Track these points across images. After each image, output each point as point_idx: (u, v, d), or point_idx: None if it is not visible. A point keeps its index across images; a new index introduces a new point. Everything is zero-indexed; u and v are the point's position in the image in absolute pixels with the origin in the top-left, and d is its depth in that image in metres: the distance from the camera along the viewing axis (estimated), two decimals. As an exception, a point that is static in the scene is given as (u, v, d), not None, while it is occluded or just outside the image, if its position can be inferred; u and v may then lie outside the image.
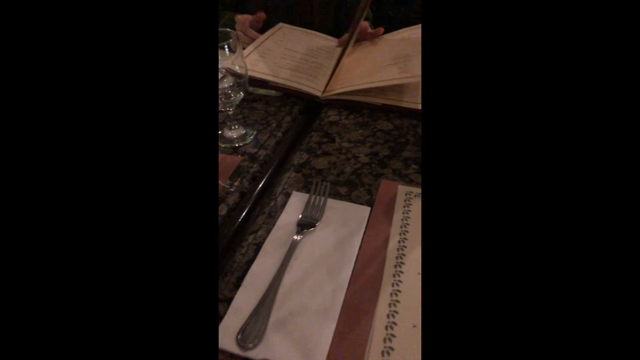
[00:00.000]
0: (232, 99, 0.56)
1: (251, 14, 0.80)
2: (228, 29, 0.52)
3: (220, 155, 0.56)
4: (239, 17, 0.79)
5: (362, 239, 0.42)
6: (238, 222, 0.48)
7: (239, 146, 0.58)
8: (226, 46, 0.51)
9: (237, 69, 0.54)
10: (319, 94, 0.67)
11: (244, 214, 0.49)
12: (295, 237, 0.42)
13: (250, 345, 0.32)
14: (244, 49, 0.73)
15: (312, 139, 0.60)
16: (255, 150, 0.58)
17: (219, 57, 0.52)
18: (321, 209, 0.46)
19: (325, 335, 0.33)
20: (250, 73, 0.64)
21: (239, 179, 0.52)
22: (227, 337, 0.33)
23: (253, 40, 0.77)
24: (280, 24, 0.84)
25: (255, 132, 0.61)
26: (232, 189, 0.50)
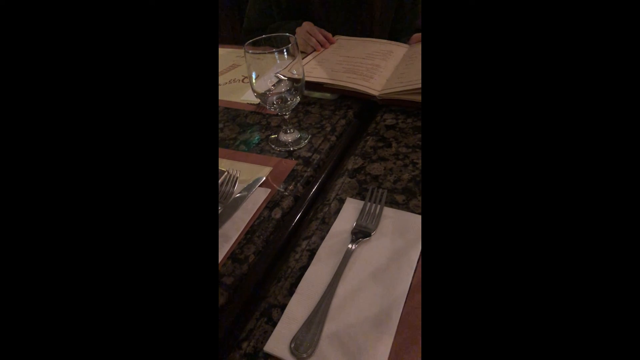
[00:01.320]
0: (288, 103, 0.56)
1: (314, 23, 0.83)
2: (287, 34, 0.52)
3: (275, 159, 0.57)
4: (308, 24, 0.82)
5: (421, 252, 0.40)
6: (292, 227, 0.48)
7: (294, 150, 0.58)
8: (285, 50, 0.51)
9: (294, 73, 0.54)
10: (375, 93, 0.66)
11: (297, 218, 0.49)
12: (349, 245, 0.41)
13: (304, 355, 0.32)
14: (303, 56, 0.75)
15: (367, 143, 0.59)
16: (309, 154, 0.57)
17: (278, 61, 0.52)
18: (377, 218, 0.44)
19: (381, 353, 0.32)
20: (306, 78, 0.64)
21: (293, 183, 0.52)
22: (280, 344, 0.33)
23: (315, 47, 0.79)
24: (337, 36, 0.85)
25: (309, 136, 0.61)
26: (286, 193, 0.51)
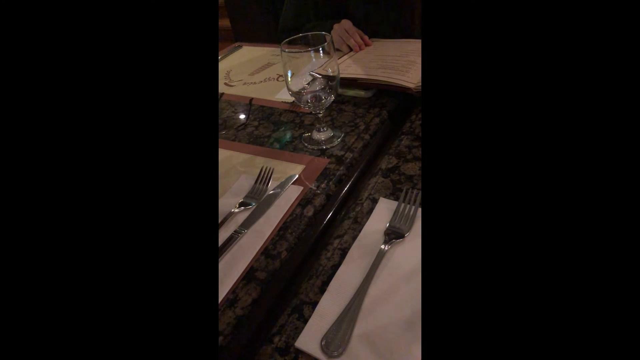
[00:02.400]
0: (322, 101, 0.56)
1: (353, 23, 0.82)
2: (323, 32, 0.52)
3: (308, 157, 0.57)
4: (347, 22, 0.82)
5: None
6: (323, 224, 0.48)
7: (326, 148, 0.58)
8: (321, 49, 0.51)
9: (329, 72, 0.54)
10: (411, 85, 0.64)
11: (329, 216, 0.49)
12: (382, 246, 0.41)
13: (335, 353, 0.32)
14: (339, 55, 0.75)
15: (402, 142, 0.58)
16: (342, 152, 0.57)
17: (313, 60, 0.53)
18: (411, 219, 0.43)
19: (413, 357, 0.31)
20: (341, 75, 0.64)
21: (326, 181, 0.52)
22: (311, 341, 0.33)
23: (352, 47, 0.79)
24: (373, 39, 0.84)
25: (342, 135, 0.60)
26: (318, 191, 0.51)
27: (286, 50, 0.51)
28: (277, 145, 0.61)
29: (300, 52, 0.51)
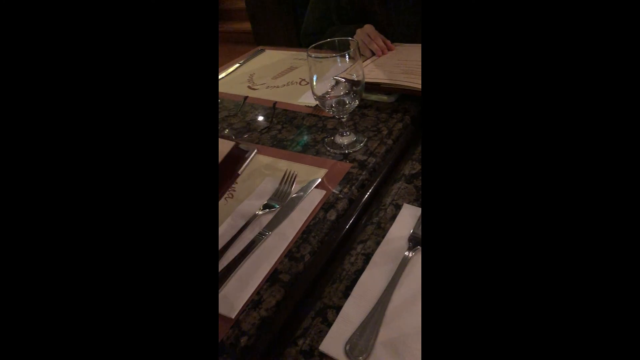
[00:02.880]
0: (346, 106, 0.57)
1: (375, 27, 0.83)
2: (350, 38, 0.53)
3: (331, 161, 0.58)
4: (369, 27, 0.82)
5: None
6: (346, 229, 0.48)
7: (349, 153, 0.59)
8: (347, 54, 0.52)
9: (354, 76, 0.55)
10: None
11: (351, 221, 0.49)
12: (406, 253, 0.41)
13: (360, 358, 0.32)
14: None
15: (425, 149, 0.57)
16: (364, 157, 0.57)
17: (339, 64, 0.53)
18: (435, 226, 0.43)
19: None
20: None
21: (348, 186, 0.53)
22: (335, 345, 0.34)
23: (374, 52, 0.80)
24: (395, 43, 0.84)
25: (365, 139, 0.61)
26: (341, 195, 0.51)
27: (312, 55, 0.52)
28: (300, 149, 0.62)
29: (327, 57, 0.52)
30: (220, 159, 0.33)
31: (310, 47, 0.53)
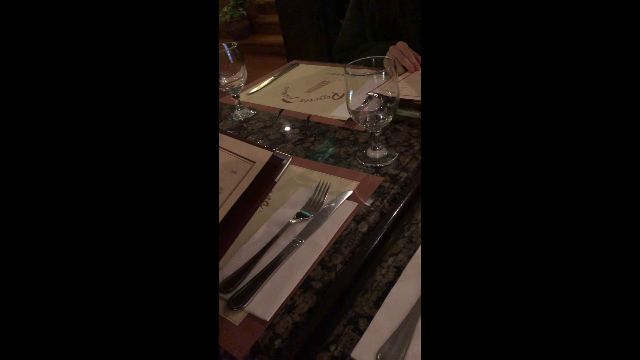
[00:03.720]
0: (380, 121, 0.58)
1: (408, 44, 0.85)
2: (387, 57, 0.55)
3: (362, 174, 0.59)
4: (402, 43, 0.84)
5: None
6: (377, 242, 0.49)
7: (381, 167, 0.60)
8: (383, 72, 0.54)
9: (389, 93, 0.56)
10: None
11: (382, 234, 0.50)
12: (438, 267, 0.41)
13: (390, 368, 0.33)
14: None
15: (457, 165, 0.58)
16: (396, 171, 0.59)
17: (375, 81, 0.55)
18: (467, 243, 0.43)
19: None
20: (397, 96, 0.66)
21: (380, 199, 0.54)
22: (367, 353, 0.35)
23: (407, 68, 0.81)
24: None
25: (397, 154, 0.62)
26: (372, 208, 0.52)
27: (350, 72, 0.54)
28: (324, 157, 0.64)
29: (364, 74, 0.54)
30: (259, 168, 0.35)
31: (348, 64, 0.56)
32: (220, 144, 0.41)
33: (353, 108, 0.58)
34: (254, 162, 0.35)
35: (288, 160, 0.35)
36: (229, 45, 0.78)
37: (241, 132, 0.79)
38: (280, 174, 0.35)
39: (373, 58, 0.56)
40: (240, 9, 3.61)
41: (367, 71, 0.55)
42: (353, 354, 0.35)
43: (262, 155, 0.35)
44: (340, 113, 0.77)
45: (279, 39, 2.72)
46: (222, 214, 0.34)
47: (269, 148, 0.36)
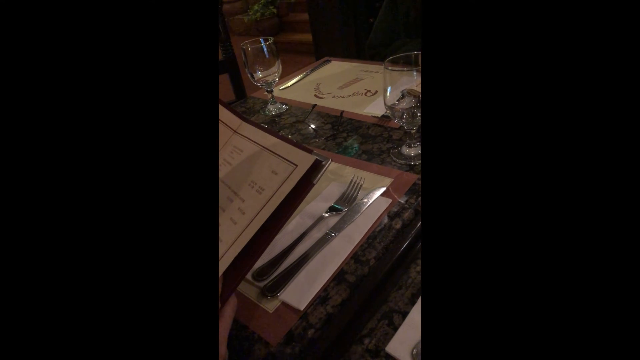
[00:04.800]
0: (417, 118, 0.58)
1: None
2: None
3: (396, 171, 0.59)
4: None
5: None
6: (411, 239, 0.49)
7: (415, 164, 0.59)
8: (414, 70, 0.53)
9: (427, 90, 0.56)
10: None
11: (416, 231, 0.50)
12: (476, 267, 0.40)
13: (427, 364, 0.33)
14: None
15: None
16: (431, 170, 0.58)
17: (414, 78, 0.54)
18: (507, 244, 0.42)
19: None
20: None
21: (414, 197, 0.53)
22: (402, 348, 0.34)
23: None
24: None
25: (432, 152, 0.61)
26: (407, 205, 0.52)
27: (389, 68, 0.54)
28: (354, 154, 0.64)
29: (403, 70, 0.54)
30: (302, 173, 0.35)
31: (387, 59, 0.55)
32: (257, 139, 0.41)
33: (390, 104, 0.58)
34: (296, 165, 0.35)
35: (328, 162, 0.34)
36: (266, 40, 0.79)
37: (273, 126, 0.80)
38: (319, 176, 0.35)
39: (413, 54, 0.56)
40: (271, 7, 3.66)
41: (405, 67, 0.54)
42: (388, 349, 0.35)
43: (304, 159, 0.35)
44: (374, 109, 0.77)
45: (307, 37, 2.73)
46: (264, 216, 0.34)
47: (310, 150, 0.35)
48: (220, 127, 0.45)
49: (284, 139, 0.38)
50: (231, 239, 0.35)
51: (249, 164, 0.39)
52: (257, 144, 0.40)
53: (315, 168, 0.34)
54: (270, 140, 0.39)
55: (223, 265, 0.34)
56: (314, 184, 0.35)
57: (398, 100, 0.61)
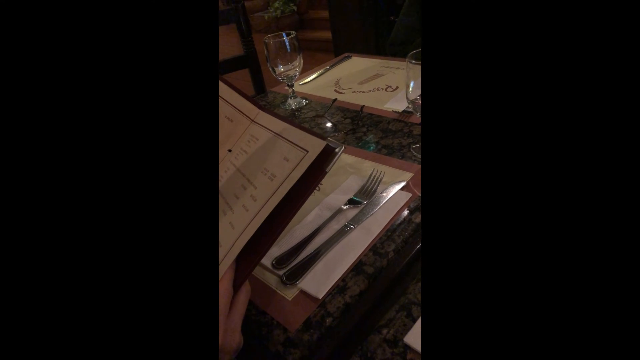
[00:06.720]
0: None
1: None
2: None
3: (417, 166, 0.58)
4: None
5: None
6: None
7: (436, 159, 0.59)
8: None
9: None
10: None
11: (436, 226, 0.49)
12: (498, 262, 0.40)
13: (446, 356, 0.32)
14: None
15: (519, 163, 0.55)
16: (452, 165, 0.57)
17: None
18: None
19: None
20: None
21: (435, 192, 0.53)
22: (420, 339, 0.34)
23: None
24: None
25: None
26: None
27: (412, 62, 0.53)
28: (374, 149, 0.63)
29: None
30: (312, 158, 0.34)
31: (410, 54, 0.55)
32: (271, 127, 0.41)
33: (412, 98, 0.57)
34: (307, 151, 0.35)
35: (341, 149, 0.34)
36: (288, 35, 0.80)
37: (293, 120, 0.81)
38: (332, 163, 0.34)
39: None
40: (291, 4, 3.67)
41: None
42: (406, 339, 0.35)
43: (316, 144, 0.35)
44: (395, 105, 0.76)
45: (327, 34, 2.73)
46: (274, 202, 0.34)
47: (322, 136, 0.35)
48: (239, 116, 0.45)
49: (296, 125, 0.38)
50: (242, 226, 0.34)
51: (263, 151, 0.39)
52: (272, 131, 0.40)
53: (328, 155, 0.33)
54: (282, 126, 0.39)
55: (234, 252, 0.33)
56: (326, 172, 0.34)
57: (419, 95, 0.61)
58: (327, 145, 0.33)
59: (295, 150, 0.35)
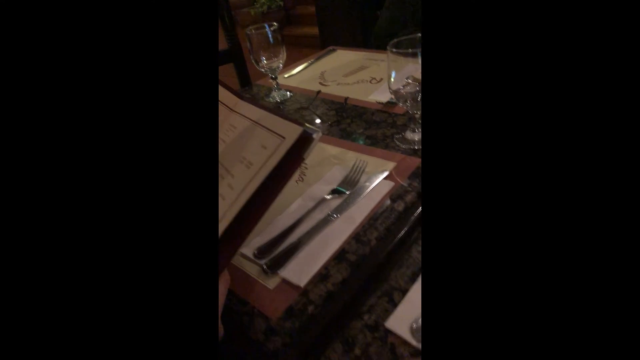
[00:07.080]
0: (419, 102, 0.57)
1: None
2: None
3: (400, 155, 0.58)
4: None
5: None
6: (412, 220, 0.49)
7: (419, 149, 0.59)
8: (419, 52, 0.52)
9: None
10: None
11: (418, 213, 0.49)
12: (478, 247, 0.40)
13: (426, 339, 0.33)
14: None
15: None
16: (435, 154, 0.57)
17: (419, 60, 0.54)
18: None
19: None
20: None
21: (417, 180, 0.53)
22: (401, 323, 0.35)
23: None
24: None
25: (436, 137, 0.60)
26: (409, 188, 0.52)
27: (394, 50, 0.53)
28: (359, 140, 0.63)
29: (406, 52, 0.53)
30: (289, 145, 0.34)
31: (391, 42, 0.55)
32: (250, 115, 0.40)
33: (394, 88, 0.57)
34: (284, 138, 0.35)
35: (318, 135, 0.34)
36: (270, 26, 0.79)
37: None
38: (309, 150, 0.34)
39: (417, 36, 0.55)
40: (278, 0, 3.64)
41: (410, 50, 0.54)
42: (387, 324, 0.35)
43: (292, 131, 0.34)
44: (378, 96, 0.76)
45: (314, 30, 2.72)
46: (250, 190, 0.34)
47: (299, 122, 0.35)
48: (219, 107, 0.45)
49: (274, 112, 0.37)
50: (219, 215, 0.34)
51: (241, 140, 0.39)
52: (250, 119, 0.40)
53: (305, 141, 0.33)
54: (260, 114, 0.39)
55: None
56: (304, 159, 0.34)
57: (407, 84, 0.61)
58: (303, 131, 0.33)
59: (273, 137, 0.35)
